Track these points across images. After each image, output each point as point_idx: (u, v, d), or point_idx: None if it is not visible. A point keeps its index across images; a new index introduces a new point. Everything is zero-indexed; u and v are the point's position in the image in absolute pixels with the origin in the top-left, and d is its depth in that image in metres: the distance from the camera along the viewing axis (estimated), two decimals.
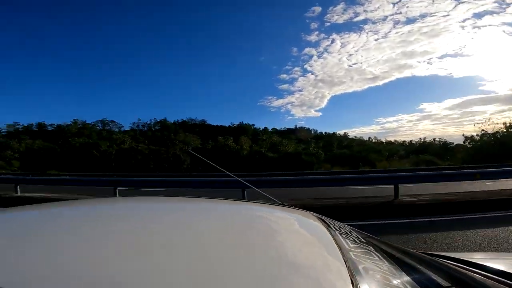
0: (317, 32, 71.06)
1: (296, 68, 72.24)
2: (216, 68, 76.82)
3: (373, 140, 45.81)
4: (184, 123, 50.52)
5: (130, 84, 72.25)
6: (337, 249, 0.61)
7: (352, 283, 0.46)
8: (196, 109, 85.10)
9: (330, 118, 74.80)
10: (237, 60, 75.72)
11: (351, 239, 0.75)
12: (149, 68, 72.75)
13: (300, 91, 71.23)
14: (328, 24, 65.81)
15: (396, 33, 60.62)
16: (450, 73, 67.88)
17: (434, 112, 67.38)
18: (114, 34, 68.20)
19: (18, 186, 8.25)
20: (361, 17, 63.42)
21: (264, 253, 0.57)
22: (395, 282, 0.54)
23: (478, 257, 1.06)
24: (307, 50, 72.75)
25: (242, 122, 50.93)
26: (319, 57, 68.88)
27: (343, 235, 0.76)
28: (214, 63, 76.68)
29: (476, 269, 0.75)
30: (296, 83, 72.54)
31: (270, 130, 50.50)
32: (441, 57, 69.82)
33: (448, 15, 53.87)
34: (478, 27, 53.23)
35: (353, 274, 0.49)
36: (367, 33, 62.93)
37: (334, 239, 0.67)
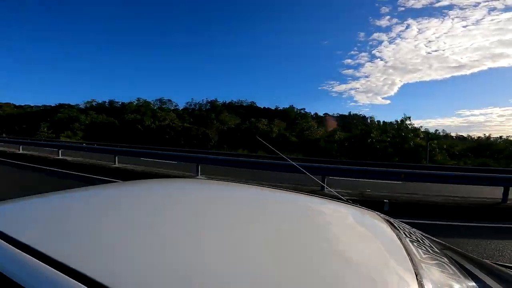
0: (388, 17, 70.25)
1: (363, 54, 72.17)
2: (279, 51, 76.28)
3: (441, 134, 39.76)
4: (231, 104, 51.81)
5: (204, 66, 77.91)
6: (408, 258, 0.57)
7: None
8: (257, 91, 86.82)
9: (401, 107, 70.19)
10: (301, 43, 74.77)
11: (423, 248, 0.69)
12: (218, 50, 77.51)
13: (367, 77, 69.44)
14: (403, 8, 61.62)
15: (492, 20, 53.15)
16: None
17: None
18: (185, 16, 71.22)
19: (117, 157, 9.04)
20: (445, 3, 56.51)
21: (327, 253, 0.56)
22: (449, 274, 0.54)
23: None
24: (376, 35, 73.11)
25: (292, 105, 50.98)
26: (390, 42, 68.00)
27: (414, 242, 0.71)
28: (277, 47, 76.24)
29: None
30: (362, 69, 72.46)
31: (320, 115, 49.46)
32: None
33: None
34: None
35: (417, 272, 0.49)
36: (452, 19, 56.74)
37: (405, 247, 0.64)
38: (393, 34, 65.63)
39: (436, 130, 42.54)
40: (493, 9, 54.44)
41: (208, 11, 79.92)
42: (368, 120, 49.61)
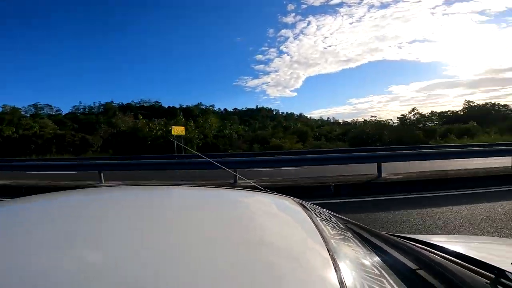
0: (293, 14, 76.18)
1: (272, 49, 75.79)
2: (192, 49, 72.62)
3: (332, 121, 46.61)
4: (130, 106, 48.55)
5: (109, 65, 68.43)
6: (320, 236, 0.64)
7: (336, 270, 0.49)
8: (168, 91, 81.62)
9: (306, 99, 77.95)
10: (213, 40, 73.15)
11: (331, 225, 0.78)
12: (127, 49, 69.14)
13: (276, 71, 73.80)
14: (305, 6, 67.43)
15: (370, 17, 63.50)
16: (417, 58, 73.41)
17: (402, 94, 73.04)
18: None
19: None
20: (337, 1, 64.59)
21: (249, 241, 0.59)
22: (371, 266, 0.58)
23: (439, 239, 1.17)
24: (283, 31, 77.97)
25: (201, 102, 51.21)
26: (295, 38, 73.12)
27: (324, 221, 0.79)
28: (190, 45, 72.62)
29: (437, 251, 0.83)
30: (272, 64, 76.53)
31: (229, 110, 50.92)
32: (411, 42, 75.91)
33: (420, 1, 56.62)
34: (447, 14, 57.24)
35: (336, 262, 0.52)
36: (342, 16, 65.07)
37: (316, 226, 0.70)
38: (297, 31, 72.65)
39: (328, 118, 49.58)
40: (372, 6, 66.35)
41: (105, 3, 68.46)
42: (274, 112, 53.96)
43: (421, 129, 23.84)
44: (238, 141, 25.66)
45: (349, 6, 66.50)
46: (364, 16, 66.00)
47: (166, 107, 50.41)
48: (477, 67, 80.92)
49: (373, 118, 28.83)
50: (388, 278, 0.54)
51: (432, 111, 30.33)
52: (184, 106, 47.93)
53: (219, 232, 0.61)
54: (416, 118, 25.02)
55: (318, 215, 0.83)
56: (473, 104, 34.28)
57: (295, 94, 77.23)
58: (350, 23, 68.48)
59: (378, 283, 0.51)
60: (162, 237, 0.57)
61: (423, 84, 73.69)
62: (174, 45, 76.35)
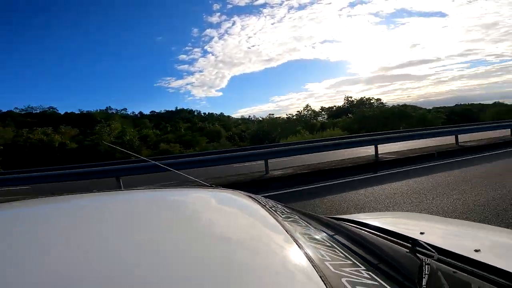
0: (219, 14, 74.09)
1: (197, 49, 72.04)
2: (106, 49, 62.41)
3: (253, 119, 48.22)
4: (11, 113, 39.64)
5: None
6: (275, 220, 0.71)
7: (299, 246, 0.55)
8: (76, 95, 67.81)
9: (231, 98, 77.42)
10: (132, 40, 65.22)
11: (280, 211, 0.84)
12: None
13: (201, 71, 72.42)
14: (231, 6, 66.63)
15: (290, 18, 66.79)
16: (328, 57, 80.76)
17: (316, 91, 79.53)
18: None
19: None
20: (261, 1, 65.75)
21: (212, 235, 0.62)
22: (322, 240, 0.67)
23: (362, 217, 1.34)
24: (208, 31, 73.66)
25: (110, 106, 45.77)
26: (220, 38, 71.06)
27: (272, 208, 0.84)
28: (105, 45, 62.37)
29: (364, 227, 0.98)
30: (196, 64, 72.48)
31: (144, 114, 46.91)
32: (322, 42, 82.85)
33: (330, 3, 62.18)
34: (351, 16, 64.62)
35: (295, 239, 0.59)
36: (265, 17, 66.61)
37: (269, 213, 0.77)
38: (222, 30, 72.12)
39: (249, 116, 50.74)
40: (291, 7, 70.42)
41: None
42: (195, 113, 52.10)
43: (308, 123, 27.13)
44: (143, 146, 23.98)
45: (272, 7, 70.51)
46: (284, 17, 70.94)
47: (63, 113, 43.41)
48: (372, 65, 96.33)
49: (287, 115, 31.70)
50: (339, 248, 0.63)
51: (322, 107, 35.11)
52: (85, 112, 42.08)
53: (179, 233, 0.62)
54: (309, 114, 28.64)
55: (266, 204, 0.89)
56: (351, 100, 41.10)
57: (220, 94, 77.13)
58: (272, 24, 72.62)
59: (332, 253, 0.59)
60: (110, 246, 0.54)
61: (332, 81, 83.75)
62: (84, 44, 65.83)
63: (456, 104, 40.78)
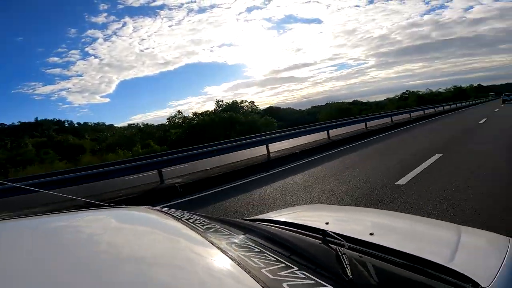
0: (106, 14, 71.69)
1: (74, 51, 64.20)
2: None
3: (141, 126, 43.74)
4: None
5: None
6: (198, 234, 0.68)
7: (231, 258, 0.54)
8: None
9: (122, 104, 66.45)
10: None
11: (198, 223, 0.80)
12: None
13: (80, 76, 58.98)
14: (122, 6, 56.84)
15: (189, 21, 62.42)
16: (226, 60, 79.78)
17: (215, 94, 77.70)
18: None
19: None
20: (158, 2, 59.02)
21: (135, 261, 0.57)
22: (250, 245, 0.67)
23: (275, 215, 1.33)
24: (90, 32, 66.38)
25: None
26: (106, 40, 64.86)
27: (190, 221, 0.81)
28: None
29: (280, 225, 1.06)
30: (74, 67, 64.12)
31: None
32: (220, 45, 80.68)
33: (230, 7, 60.97)
34: (247, 21, 65.36)
35: (225, 251, 0.57)
36: (162, 19, 60.82)
37: (189, 227, 0.74)
38: (109, 32, 62.91)
39: (137, 123, 45.66)
40: (191, 10, 66.32)
41: None
42: (66, 123, 43.08)
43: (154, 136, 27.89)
44: None
45: (170, 9, 66.33)
46: (183, 19, 67.85)
47: None
48: (265, 68, 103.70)
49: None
50: (268, 252, 0.63)
51: (194, 112, 35.79)
52: None
53: (95, 264, 0.55)
54: (182, 120, 29.17)
55: (182, 216, 0.85)
56: (221, 103, 42.49)
57: (107, 100, 67.42)
58: (170, 26, 68.41)
59: (264, 258, 0.58)
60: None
61: (230, 84, 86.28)
62: None
63: (326, 103, 49.50)
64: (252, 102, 42.11)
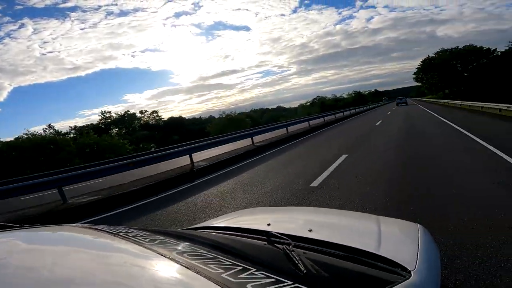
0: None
1: None
2: None
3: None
4: None
5: None
6: (144, 248, 0.65)
7: (188, 268, 0.53)
8: None
9: (16, 114, 52.39)
10: None
11: (139, 237, 0.77)
12: None
13: None
14: (21, 7, 45.17)
15: (107, 24, 54.33)
16: (149, 66, 72.39)
17: (137, 102, 69.74)
18: None
19: None
20: (69, 4, 48.77)
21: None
22: (200, 252, 0.67)
23: (218, 221, 1.33)
24: None
25: None
26: None
27: (129, 235, 0.77)
28: None
29: (225, 231, 1.08)
30: None
31: None
32: (143, 51, 73.15)
33: (156, 11, 55.22)
34: (175, 26, 60.69)
35: (180, 262, 0.56)
36: (72, 21, 50.45)
37: (131, 241, 0.70)
38: (1, 33, 49.05)
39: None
40: (110, 13, 58.10)
41: None
42: None
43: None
44: None
45: (84, 11, 57.59)
46: (100, 22, 59.90)
47: None
48: (192, 75, 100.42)
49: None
50: (222, 257, 0.63)
51: (72, 126, 32.80)
52: None
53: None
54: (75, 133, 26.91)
55: (117, 232, 0.80)
56: (108, 115, 39.52)
57: None
58: (82, 29, 59.70)
59: (221, 263, 0.59)
60: None
61: (155, 91, 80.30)
62: None
63: (251, 110, 51.27)
64: (155, 112, 39.42)
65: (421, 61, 55.97)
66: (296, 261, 0.63)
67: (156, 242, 0.72)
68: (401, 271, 0.69)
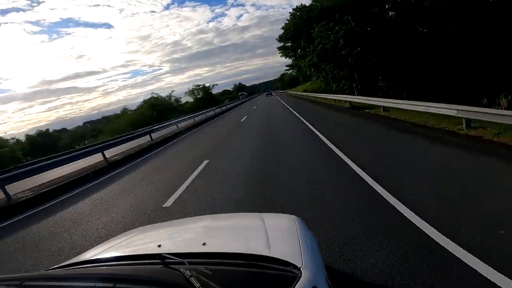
0: None
1: None
2: None
3: None
4: None
5: None
6: None
7: None
8: None
9: None
10: None
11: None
12: None
13: None
14: None
15: None
16: None
17: None
18: None
19: None
20: None
21: None
22: None
23: (95, 253, 1.18)
24: None
25: None
26: None
27: None
28: None
29: (112, 261, 1.00)
30: None
31: None
32: None
33: None
34: (0, 24, 40.02)
35: None
36: None
37: None
38: None
39: None
40: None
41: None
42: None
43: None
44: None
45: None
46: None
47: None
48: (31, 79, 75.41)
49: None
50: None
51: None
52: None
53: None
54: None
55: None
56: None
57: None
58: None
59: None
60: None
61: None
62: None
63: (114, 113, 43.62)
64: None
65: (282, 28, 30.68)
66: (193, 282, 0.64)
67: None
68: (293, 269, 0.74)
